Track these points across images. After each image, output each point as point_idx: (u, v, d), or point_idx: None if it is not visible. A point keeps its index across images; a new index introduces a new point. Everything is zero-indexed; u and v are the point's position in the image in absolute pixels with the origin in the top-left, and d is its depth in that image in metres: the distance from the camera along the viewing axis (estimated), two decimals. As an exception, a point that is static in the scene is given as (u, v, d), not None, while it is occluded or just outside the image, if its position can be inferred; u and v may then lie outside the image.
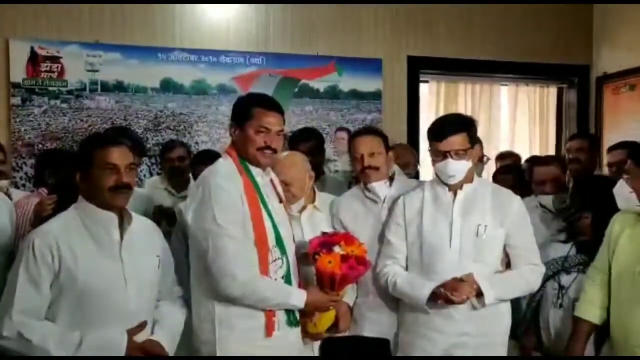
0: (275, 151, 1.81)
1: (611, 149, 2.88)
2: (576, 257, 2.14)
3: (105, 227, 1.63)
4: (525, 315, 2.18)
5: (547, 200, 2.58)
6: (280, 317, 1.77)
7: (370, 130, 2.20)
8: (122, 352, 1.56)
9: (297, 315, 1.81)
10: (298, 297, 1.77)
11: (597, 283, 1.95)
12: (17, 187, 3.18)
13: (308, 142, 2.85)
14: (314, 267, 1.80)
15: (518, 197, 2.02)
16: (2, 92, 3.28)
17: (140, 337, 1.62)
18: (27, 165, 3.31)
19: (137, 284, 1.64)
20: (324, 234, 1.90)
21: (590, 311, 1.94)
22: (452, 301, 1.82)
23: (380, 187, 2.10)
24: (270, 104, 1.83)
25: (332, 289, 1.79)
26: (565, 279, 2.11)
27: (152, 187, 2.93)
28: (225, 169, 1.79)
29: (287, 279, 1.80)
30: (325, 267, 1.75)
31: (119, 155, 1.62)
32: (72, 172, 1.67)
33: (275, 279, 1.76)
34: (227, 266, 1.68)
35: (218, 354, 1.72)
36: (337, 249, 1.79)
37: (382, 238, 2.05)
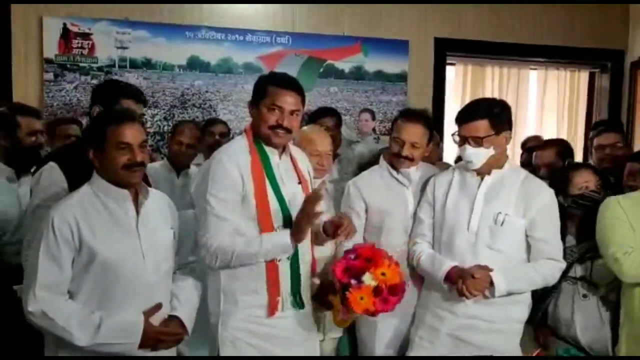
0: (289, 131, 1.76)
1: (601, 131, 2.82)
2: (583, 246, 2.08)
3: (120, 203, 1.64)
4: (538, 311, 2.13)
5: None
6: (286, 297, 1.76)
7: (420, 118, 2.08)
8: (138, 336, 1.59)
9: (304, 297, 1.80)
10: (283, 234, 1.71)
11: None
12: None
13: (331, 117, 2.88)
14: (342, 302, 1.70)
15: (550, 190, 1.97)
16: (36, 67, 3.37)
17: (157, 317, 1.67)
18: (59, 139, 3.41)
19: (154, 257, 1.66)
20: (346, 252, 1.77)
21: None
22: (464, 295, 1.83)
23: (412, 173, 2.10)
24: (286, 83, 1.78)
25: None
26: (579, 270, 2.08)
27: (192, 163, 2.99)
28: (235, 146, 1.79)
29: (293, 259, 1.77)
30: (358, 307, 1.66)
31: (132, 134, 1.62)
32: (84, 148, 1.66)
33: (280, 260, 1.75)
34: (204, 238, 1.71)
35: (220, 327, 1.75)
36: (366, 278, 1.67)
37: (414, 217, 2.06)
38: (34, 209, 1.87)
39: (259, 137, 1.79)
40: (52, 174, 1.87)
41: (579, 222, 2.10)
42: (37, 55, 3.36)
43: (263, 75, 1.89)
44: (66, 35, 3.38)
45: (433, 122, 2.22)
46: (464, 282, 1.82)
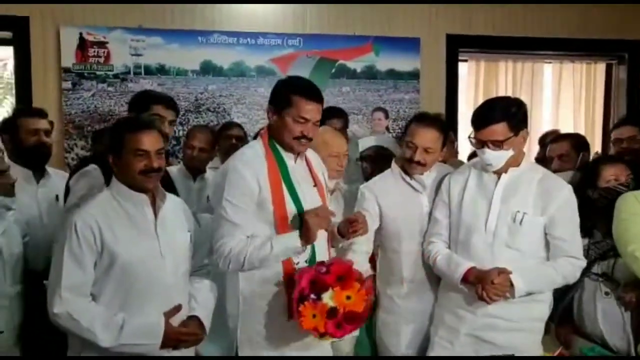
0: (310, 140, 1.80)
1: (618, 124, 2.77)
2: (607, 242, 2.05)
3: (138, 207, 1.69)
4: (558, 307, 2.11)
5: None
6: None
7: (434, 122, 2.06)
8: (159, 337, 1.64)
9: None
10: (293, 237, 1.71)
11: None
12: (69, 167, 3.36)
13: (339, 119, 2.87)
14: (296, 314, 1.63)
15: (569, 187, 1.93)
16: (54, 76, 3.45)
17: (177, 318, 1.71)
18: (78, 146, 3.49)
19: (173, 259, 1.71)
20: (318, 263, 1.70)
21: None
22: (485, 300, 1.82)
23: (426, 178, 2.08)
24: (312, 93, 1.78)
25: None
26: (602, 267, 2.06)
27: (208, 166, 3.02)
28: (251, 152, 1.81)
29: (310, 262, 1.78)
30: (308, 323, 1.58)
31: (149, 141, 1.66)
32: (106, 154, 1.72)
33: (298, 263, 1.77)
34: (218, 244, 1.73)
35: (239, 330, 1.78)
36: (326, 297, 1.59)
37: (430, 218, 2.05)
38: (70, 207, 1.92)
39: (280, 144, 1.81)
40: (93, 176, 1.93)
41: (603, 216, 2.07)
42: (55, 64, 3.44)
43: (283, 81, 1.89)
44: (82, 44, 3.45)
45: (447, 119, 2.21)
46: (483, 288, 1.81)
